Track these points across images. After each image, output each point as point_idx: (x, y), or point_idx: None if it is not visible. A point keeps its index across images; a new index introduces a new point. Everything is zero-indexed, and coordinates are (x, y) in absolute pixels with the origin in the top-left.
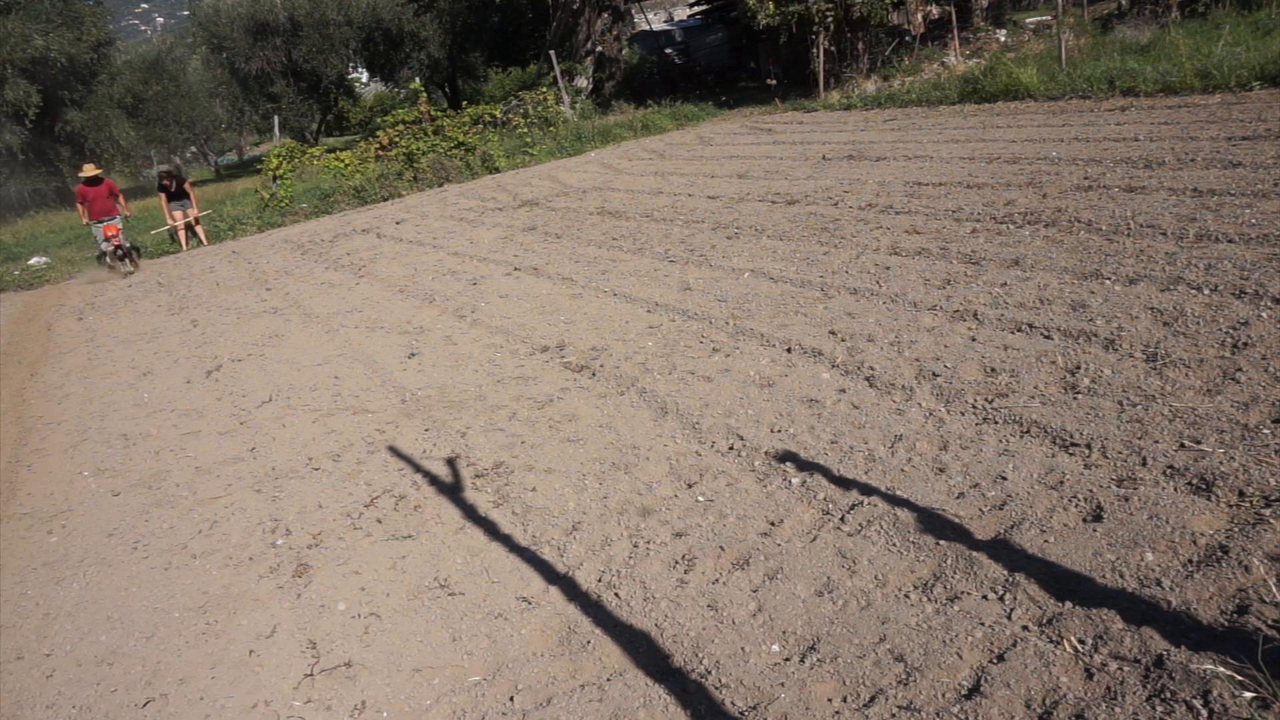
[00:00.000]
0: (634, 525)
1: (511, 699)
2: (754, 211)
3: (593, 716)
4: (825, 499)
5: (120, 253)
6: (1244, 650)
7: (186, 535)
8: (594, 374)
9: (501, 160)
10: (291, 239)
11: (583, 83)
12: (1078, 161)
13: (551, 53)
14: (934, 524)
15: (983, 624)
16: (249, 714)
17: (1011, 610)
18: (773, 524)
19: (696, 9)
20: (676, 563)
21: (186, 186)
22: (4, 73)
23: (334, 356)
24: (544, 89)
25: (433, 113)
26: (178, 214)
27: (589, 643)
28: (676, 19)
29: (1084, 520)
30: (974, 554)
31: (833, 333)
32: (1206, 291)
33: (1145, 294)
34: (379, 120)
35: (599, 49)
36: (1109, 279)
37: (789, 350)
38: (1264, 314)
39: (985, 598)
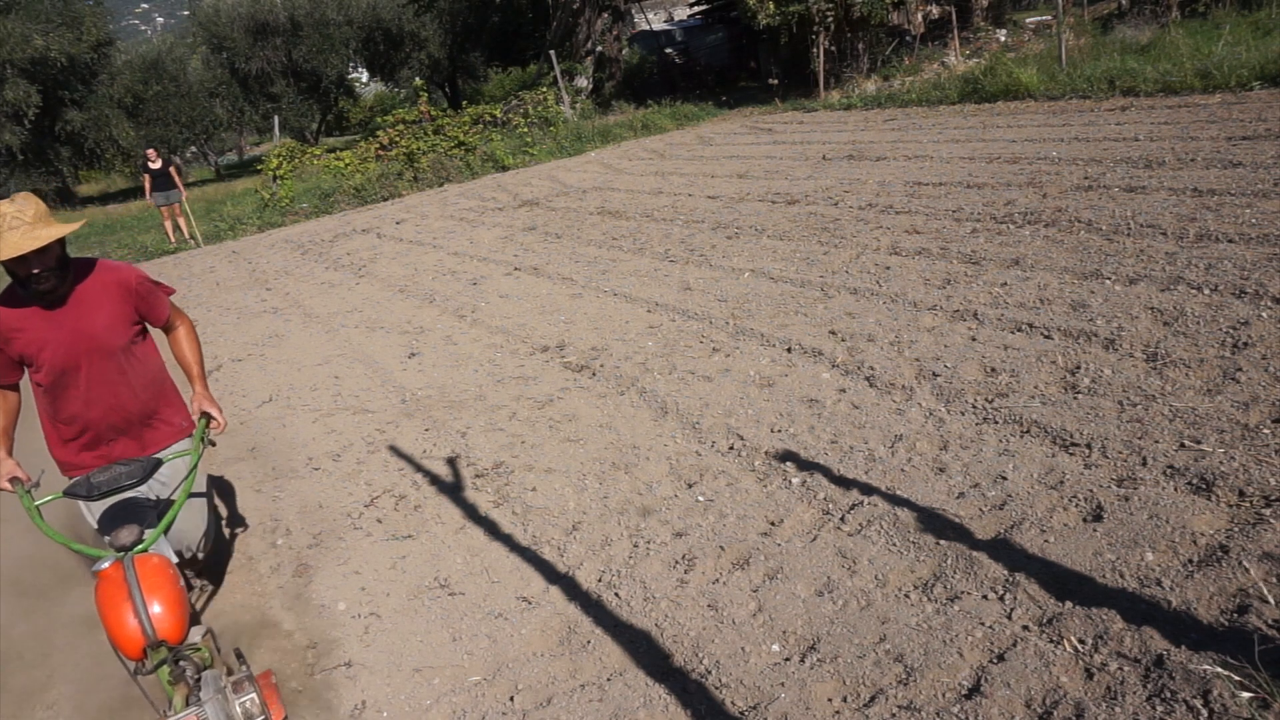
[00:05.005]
0: (634, 525)
1: (511, 699)
2: (754, 211)
3: (593, 716)
4: (825, 499)
5: None
6: (1244, 650)
7: None
8: (594, 374)
9: (507, 159)
10: (291, 239)
11: (583, 83)
12: (1078, 161)
13: (551, 53)
14: (934, 524)
15: (983, 624)
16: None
17: (1012, 610)
18: (773, 524)
19: (696, 9)
20: (676, 563)
21: (172, 171)
22: (4, 73)
23: (334, 356)
24: (544, 89)
25: (433, 112)
26: (164, 208)
27: (589, 642)
28: (676, 19)
29: (1084, 520)
30: (974, 554)
31: (833, 333)
32: (1207, 291)
33: (1145, 294)
34: (379, 120)
35: (599, 49)
36: (1109, 279)
37: (789, 350)
38: (1264, 314)
39: (985, 597)
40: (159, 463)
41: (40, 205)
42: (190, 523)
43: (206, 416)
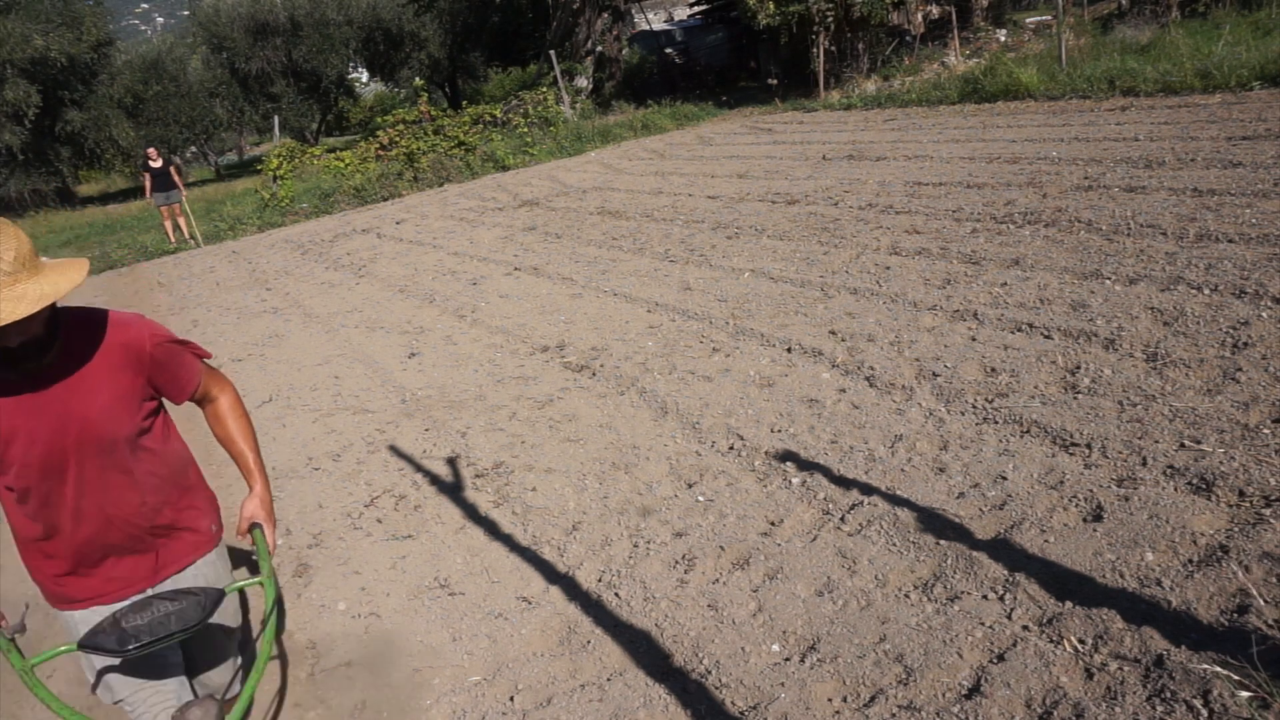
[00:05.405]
0: (634, 525)
1: (511, 699)
2: (754, 211)
3: (593, 716)
4: (825, 499)
5: None
6: (1244, 650)
7: None
8: (594, 374)
9: (507, 159)
10: (291, 239)
11: (583, 83)
12: (1078, 161)
13: (551, 53)
14: (934, 524)
15: (983, 624)
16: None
17: (1012, 610)
18: (773, 524)
19: (696, 9)
20: (676, 562)
21: (172, 171)
22: (4, 73)
23: (334, 356)
24: (544, 89)
25: (433, 112)
26: (164, 209)
27: (589, 643)
28: (676, 19)
29: (1084, 520)
30: (974, 554)
31: (833, 332)
32: (1206, 291)
33: (1145, 294)
34: (379, 120)
35: (599, 49)
36: (1109, 279)
37: (789, 350)
38: (1264, 314)
39: (985, 597)
40: (221, 595)
41: (23, 243)
42: (220, 653)
43: (259, 529)
